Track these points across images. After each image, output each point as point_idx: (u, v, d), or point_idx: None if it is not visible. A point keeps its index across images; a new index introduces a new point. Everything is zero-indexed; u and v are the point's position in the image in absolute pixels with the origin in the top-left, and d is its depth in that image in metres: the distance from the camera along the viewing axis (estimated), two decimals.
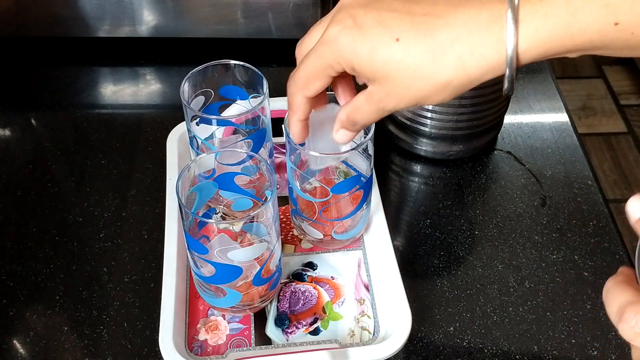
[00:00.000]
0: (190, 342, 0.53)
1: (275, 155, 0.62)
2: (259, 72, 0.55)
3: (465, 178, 0.67)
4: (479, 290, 0.58)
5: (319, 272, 0.58)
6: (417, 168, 0.68)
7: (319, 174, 0.55)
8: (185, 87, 0.54)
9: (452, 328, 0.55)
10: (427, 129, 0.65)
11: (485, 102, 0.62)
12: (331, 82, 0.43)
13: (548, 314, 0.56)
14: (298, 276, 0.57)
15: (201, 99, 0.56)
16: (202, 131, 0.55)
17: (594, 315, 0.56)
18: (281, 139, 0.64)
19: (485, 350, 0.54)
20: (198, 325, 0.54)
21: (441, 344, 0.54)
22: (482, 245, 0.61)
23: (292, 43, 0.84)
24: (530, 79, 0.77)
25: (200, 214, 0.53)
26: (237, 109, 0.57)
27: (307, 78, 0.42)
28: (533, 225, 0.63)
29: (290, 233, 0.60)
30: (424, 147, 0.67)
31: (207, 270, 0.50)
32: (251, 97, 0.57)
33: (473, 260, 0.60)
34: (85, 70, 0.78)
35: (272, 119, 0.57)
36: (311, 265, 0.58)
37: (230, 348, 0.52)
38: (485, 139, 0.68)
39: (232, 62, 0.56)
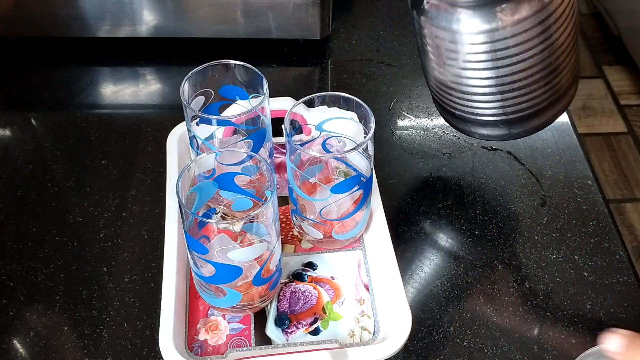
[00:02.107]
0: (190, 342, 0.53)
1: (275, 155, 0.62)
2: (259, 72, 0.55)
3: (465, 178, 0.67)
4: (479, 290, 0.58)
5: (319, 272, 0.58)
6: (417, 168, 0.68)
7: (319, 174, 0.55)
8: (185, 87, 0.54)
9: (452, 328, 0.55)
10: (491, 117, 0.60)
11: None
12: None
13: (548, 314, 0.56)
14: (298, 276, 0.57)
15: (201, 99, 0.56)
16: (202, 131, 0.55)
17: (594, 315, 0.56)
18: (281, 139, 0.64)
19: (485, 350, 0.54)
20: (198, 325, 0.54)
21: (441, 344, 0.54)
22: (482, 245, 0.61)
23: (292, 43, 0.84)
24: None
25: (200, 214, 0.53)
26: (237, 109, 0.57)
27: None
28: (533, 225, 0.63)
29: (290, 233, 0.60)
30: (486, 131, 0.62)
31: (207, 270, 0.50)
32: (251, 97, 0.57)
33: (473, 260, 0.60)
34: (85, 70, 0.78)
35: (272, 119, 0.57)
36: (311, 265, 0.58)
37: (230, 348, 0.53)
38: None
39: (232, 62, 0.56)
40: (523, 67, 0.55)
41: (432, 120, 0.73)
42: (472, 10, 0.53)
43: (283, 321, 0.54)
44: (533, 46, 0.54)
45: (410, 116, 0.73)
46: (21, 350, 0.54)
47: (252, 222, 0.48)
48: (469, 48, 0.55)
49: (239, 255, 0.49)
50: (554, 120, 0.61)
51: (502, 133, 0.61)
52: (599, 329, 0.55)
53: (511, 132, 0.60)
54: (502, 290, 0.58)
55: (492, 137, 0.62)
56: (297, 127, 0.55)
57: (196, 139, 0.55)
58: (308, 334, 0.54)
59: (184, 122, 0.58)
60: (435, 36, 0.56)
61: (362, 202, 0.55)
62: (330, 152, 0.57)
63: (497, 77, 0.56)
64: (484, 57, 0.55)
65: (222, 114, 0.57)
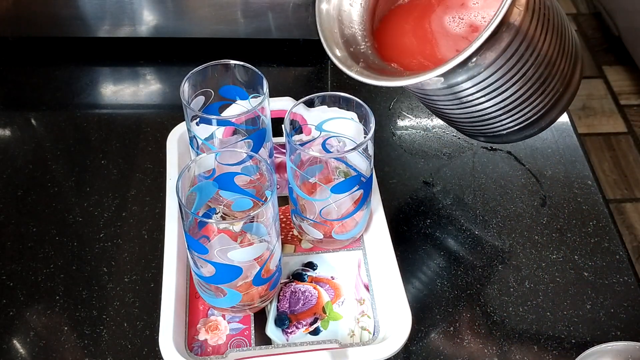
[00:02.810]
0: (190, 342, 0.53)
1: (275, 155, 0.62)
2: (259, 72, 0.55)
3: (465, 178, 0.67)
4: (479, 290, 0.58)
5: (319, 272, 0.58)
6: (417, 167, 0.68)
7: (319, 174, 0.55)
8: (185, 87, 0.54)
9: (452, 328, 0.55)
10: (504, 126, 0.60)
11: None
12: None
13: (548, 314, 0.56)
14: (298, 276, 0.57)
15: (201, 99, 0.56)
16: (202, 131, 0.55)
17: (594, 315, 0.56)
18: (281, 139, 0.64)
19: (485, 350, 0.54)
20: (198, 325, 0.54)
21: (441, 344, 0.54)
22: (482, 245, 0.61)
23: (292, 43, 0.84)
24: None
25: (200, 214, 0.53)
26: (237, 109, 0.57)
27: None
28: (533, 225, 0.63)
29: (290, 233, 0.60)
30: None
31: (207, 270, 0.50)
32: (251, 97, 0.57)
33: (473, 260, 0.60)
34: (85, 70, 0.78)
35: (272, 119, 0.57)
36: (311, 265, 0.58)
37: (230, 348, 0.53)
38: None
39: (232, 62, 0.56)
40: (516, 89, 0.55)
41: (432, 120, 0.73)
42: (442, 77, 0.52)
43: (283, 321, 0.54)
44: (518, 70, 0.54)
45: (410, 116, 0.73)
46: (21, 350, 0.54)
47: (252, 222, 0.48)
48: (453, 95, 0.56)
49: (239, 255, 0.49)
50: (567, 108, 0.60)
51: (518, 137, 0.61)
52: (599, 329, 0.55)
53: (525, 134, 0.61)
54: (502, 290, 0.58)
55: (511, 141, 0.63)
56: (297, 127, 0.55)
57: (196, 139, 0.55)
58: (308, 334, 0.54)
59: (184, 122, 0.58)
60: (417, 94, 0.58)
61: (362, 202, 0.55)
62: (330, 152, 0.57)
63: (494, 104, 0.56)
64: (472, 97, 0.55)
65: (222, 114, 0.57)
